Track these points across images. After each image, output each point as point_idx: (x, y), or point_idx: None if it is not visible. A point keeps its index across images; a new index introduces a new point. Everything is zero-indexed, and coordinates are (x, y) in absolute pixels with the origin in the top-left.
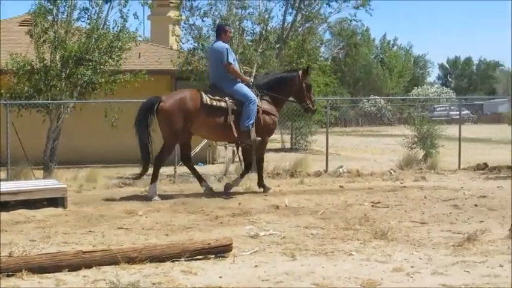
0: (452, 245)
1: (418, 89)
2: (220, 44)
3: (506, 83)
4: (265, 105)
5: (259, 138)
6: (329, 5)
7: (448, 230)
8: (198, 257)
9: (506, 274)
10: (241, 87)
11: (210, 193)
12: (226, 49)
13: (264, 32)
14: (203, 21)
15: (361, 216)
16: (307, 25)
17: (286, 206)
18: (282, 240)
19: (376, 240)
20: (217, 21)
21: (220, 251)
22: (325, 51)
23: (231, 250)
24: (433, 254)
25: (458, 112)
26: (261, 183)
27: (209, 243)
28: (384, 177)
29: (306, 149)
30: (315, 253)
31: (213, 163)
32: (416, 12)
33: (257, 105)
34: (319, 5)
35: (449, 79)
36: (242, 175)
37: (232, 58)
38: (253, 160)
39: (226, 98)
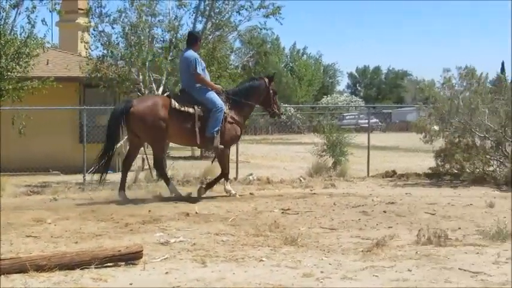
0: (362, 251)
1: (328, 98)
2: (189, 53)
3: (414, 91)
4: (233, 114)
5: (222, 146)
6: (239, 13)
7: (357, 236)
8: (108, 264)
9: (415, 278)
10: (210, 94)
11: (121, 201)
12: (195, 59)
13: (174, 39)
14: (113, 28)
15: (271, 222)
16: (217, 33)
17: (196, 213)
18: (193, 247)
19: (287, 247)
20: (127, 28)
21: (131, 258)
22: (235, 59)
23: (141, 257)
24: (343, 259)
25: (367, 120)
26: (225, 188)
27: (119, 250)
28: (293, 185)
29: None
30: (226, 259)
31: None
32: (326, 21)
33: (224, 113)
34: (229, 13)
35: (359, 88)
36: (218, 178)
37: (201, 68)
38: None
39: (195, 105)
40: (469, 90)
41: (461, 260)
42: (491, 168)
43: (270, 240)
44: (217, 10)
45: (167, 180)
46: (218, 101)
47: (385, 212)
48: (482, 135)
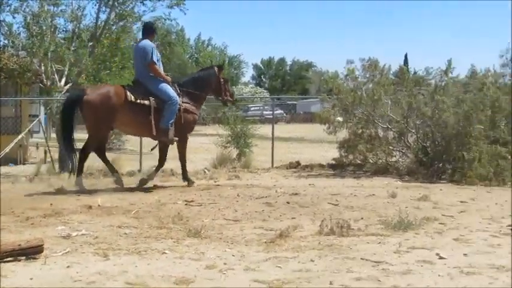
0: (265, 242)
1: (233, 89)
2: (146, 43)
3: (319, 83)
4: (186, 104)
5: (177, 138)
6: (143, 4)
7: (261, 227)
8: (9, 259)
9: (317, 269)
10: (165, 86)
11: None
12: (152, 48)
13: (76, 29)
14: (14, 17)
15: (174, 214)
16: (121, 23)
17: (99, 205)
18: (95, 240)
19: (190, 239)
20: (28, 18)
21: (31, 252)
22: None
23: (42, 251)
24: (246, 250)
25: (271, 112)
26: (185, 177)
27: (19, 245)
28: (197, 176)
29: (119, 149)
30: (128, 252)
31: (24, 163)
32: (231, 12)
33: (178, 104)
34: (133, 3)
35: (264, 79)
36: (157, 169)
37: (156, 58)
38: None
39: (150, 97)
40: (372, 82)
41: (363, 249)
42: (393, 159)
43: (173, 233)
44: (121, 0)
45: (79, 173)
46: (173, 93)
47: (288, 203)
48: (385, 126)
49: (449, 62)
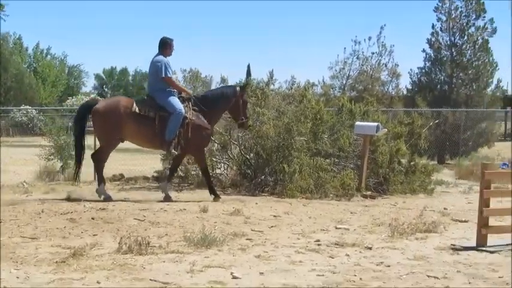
0: (56, 262)
1: (73, 99)
2: (160, 58)
3: None
4: (195, 118)
5: (175, 152)
6: None
7: (58, 245)
8: None
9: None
10: (173, 99)
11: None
12: (165, 63)
13: None
14: None
15: None
16: None
17: None
18: None
19: None
20: None
21: None
22: None
23: None
24: (33, 271)
25: None
26: (212, 192)
27: None
28: (15, 190)
29: None
30: None
31: None
32: (73, 21)
33: (188, 118)
34: None
35: (106, 89)
36: (168, 179)
37: (171, 72)
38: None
39: (157, 109)
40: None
41: (156, 269)
42: (218, 171)
43: None
44: None
45: (100, 181)
46: (179, 105)
47: (93, 218)
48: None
49: (271, 73)
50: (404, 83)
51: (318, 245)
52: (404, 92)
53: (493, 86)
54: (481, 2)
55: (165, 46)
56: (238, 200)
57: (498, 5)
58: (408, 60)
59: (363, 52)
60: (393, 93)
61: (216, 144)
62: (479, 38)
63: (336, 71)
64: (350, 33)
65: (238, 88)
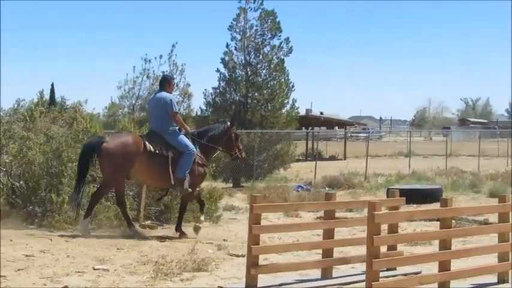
0: None
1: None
2: (166, 94)
3: None
4: (200, 155)
5: (190, 190)
6: None
7: None
8: None
9: None
10: (182, 138)
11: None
12: (171, 99)
13: None
14: None
15: None
16: None
17: None
18: None
19: None
20: None
21: None
22: None
23: None
24: None
25: None
26: (178, 229)
27: None
28: None
29: None
30: None
31: None
32: None
33: (195, 155)
34: None
35: None
36: (201, 211)
37: (177, 109)
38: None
39: (168, 147)
40: None
41: None
42: None
43: None
44: None
45: (87, 215)
46: (190, 144)
47: None
48: None
49: (41, 93)
50: (198, 103)
51: None
52: (199, 113)
53: (288, 107)
54: (277, 21)
55: (167, 83)
56: None
57: (294, 24)
58: (202, 81)
59: (153, 71)
60: (184, 113)
61: None
62: (274, 57)
63: (125, 90)
64: (140, 51)
65: (229, 123)
